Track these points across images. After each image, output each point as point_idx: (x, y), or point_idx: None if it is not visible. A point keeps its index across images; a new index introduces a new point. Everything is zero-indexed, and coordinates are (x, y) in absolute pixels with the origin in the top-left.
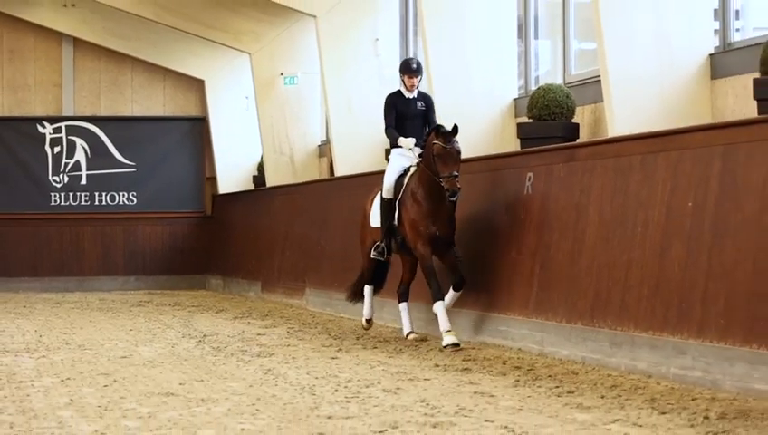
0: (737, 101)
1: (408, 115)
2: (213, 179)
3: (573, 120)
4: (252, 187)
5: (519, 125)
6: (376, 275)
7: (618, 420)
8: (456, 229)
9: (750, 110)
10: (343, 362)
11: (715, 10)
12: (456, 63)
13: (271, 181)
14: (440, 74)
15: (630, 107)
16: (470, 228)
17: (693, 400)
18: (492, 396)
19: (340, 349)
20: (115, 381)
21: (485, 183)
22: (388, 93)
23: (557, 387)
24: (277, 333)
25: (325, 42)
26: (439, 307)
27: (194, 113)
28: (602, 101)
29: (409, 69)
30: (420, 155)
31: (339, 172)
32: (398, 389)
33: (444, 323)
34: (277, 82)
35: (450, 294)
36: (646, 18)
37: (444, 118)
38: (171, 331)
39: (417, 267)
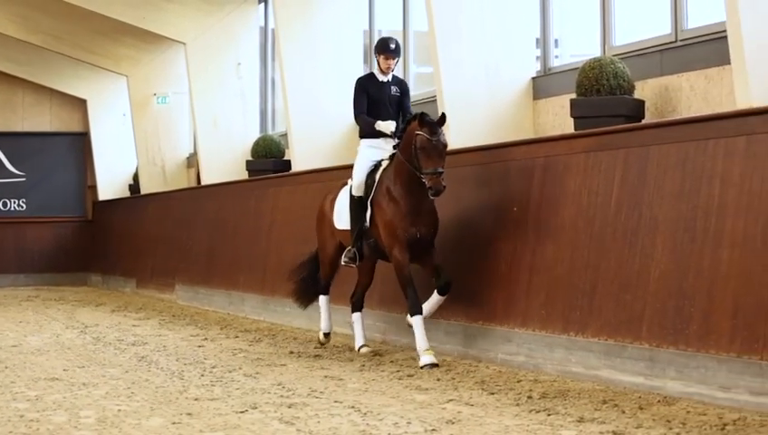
0: (556, 118)
1: (381, 100)
2: (94, 188)
3: None
4: (128, 194)
5: None
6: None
7: (452, 399)
8: (437, 229)
9: (567, 126)
10: (209, 350)
11: (537, 39)
12: (309, 84)
13: (145, 189)
14: (294, 94)
15: (464, 124)
16: None
17: (518, 381)
18: (341, 379)
19: (206, 338)
20: (6, 367)
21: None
22: (358, 76)
23: (398, 371)
24: (150, 325)
25: (193, 65)
26: (417, 322)
27: (77, 129)
28: None
29: (387, 49)
30: (396, 145)
31: (205, 181)
32: (257, 373)
33: (421, 340)
34: (151, 102)
35: (434, 299)
36: (476, 46)
37: (296, 134)
38: (56, 322)
39: (374, 272)
